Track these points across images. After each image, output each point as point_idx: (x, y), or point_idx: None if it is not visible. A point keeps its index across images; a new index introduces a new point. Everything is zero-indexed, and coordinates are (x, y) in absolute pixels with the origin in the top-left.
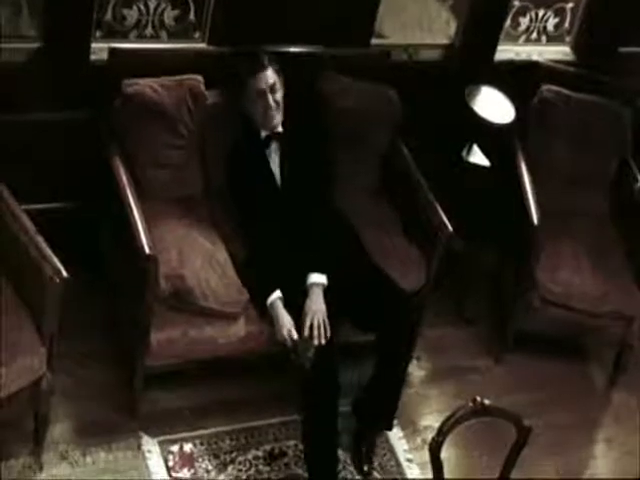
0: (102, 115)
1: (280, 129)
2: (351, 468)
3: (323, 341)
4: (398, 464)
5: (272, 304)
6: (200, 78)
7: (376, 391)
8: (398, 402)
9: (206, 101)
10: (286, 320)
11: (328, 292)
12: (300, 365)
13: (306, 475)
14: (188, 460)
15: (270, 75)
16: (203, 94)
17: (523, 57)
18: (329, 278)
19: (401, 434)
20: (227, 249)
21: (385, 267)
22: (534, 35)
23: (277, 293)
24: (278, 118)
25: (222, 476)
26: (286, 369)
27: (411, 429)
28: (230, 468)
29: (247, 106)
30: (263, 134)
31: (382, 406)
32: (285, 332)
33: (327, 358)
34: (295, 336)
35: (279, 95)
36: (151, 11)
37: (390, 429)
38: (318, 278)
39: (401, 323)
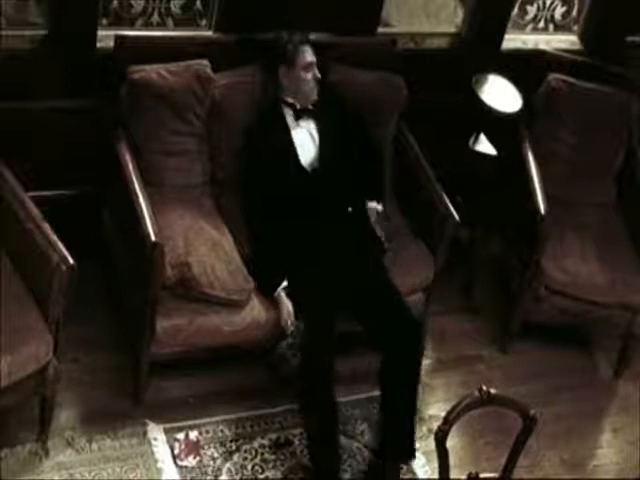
0: (108, 102)
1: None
2: (358, 457)
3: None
4: None
5: (277, 295)
6: (207, 63)
7: (391, 423)
8: (415, 427)
9: (214, 86)
10: (285, 311)
11: (333, 284)
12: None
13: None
14: (194, 448)
15: (312, 50)
16: (210, 79)
17: (530, 46)
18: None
19: None
20: (233, 238)
21: (392, 266)
22: (541, 24)
23: (283, 284)
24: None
25: (228, 464)
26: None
27: (417, 418)
28: (236, 456)
29: (288, 77)
30: (298, 106)
31: (401, 437)
32: (282, 323)
33: (324, 346)
34: (289, 324)
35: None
36: None
37: (414, 457)
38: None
39: (411, 353)
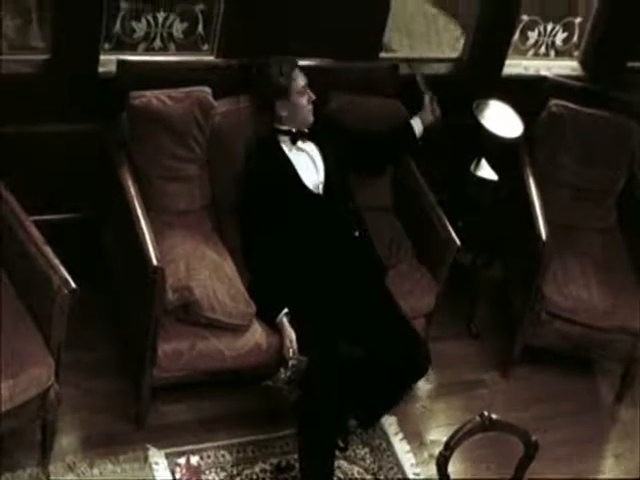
0: (110, 127)
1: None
2: (357, 476)
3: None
4: (405, 478)
5: (279, 322)
6: (208, 90)
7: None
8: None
9: (214, 113)
10: (287, 339)
11: (334, 310)
12: (278, 388)
13: None
14: (195, 472)
15: (302, 73)
16: (211, 106)
17: (531, 71)
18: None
19: (408, 448)
20: (235, 262)
21: (396, 291)
22: (542, 49)
23: (284, 311)
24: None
25: None
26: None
27: (418, 443)
28: None
29: (285, 108)
30: (294, 131)
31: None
32: (284, 351)
33: (326, 373)
34: (291, 354)
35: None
36: (160, 24)
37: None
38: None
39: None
